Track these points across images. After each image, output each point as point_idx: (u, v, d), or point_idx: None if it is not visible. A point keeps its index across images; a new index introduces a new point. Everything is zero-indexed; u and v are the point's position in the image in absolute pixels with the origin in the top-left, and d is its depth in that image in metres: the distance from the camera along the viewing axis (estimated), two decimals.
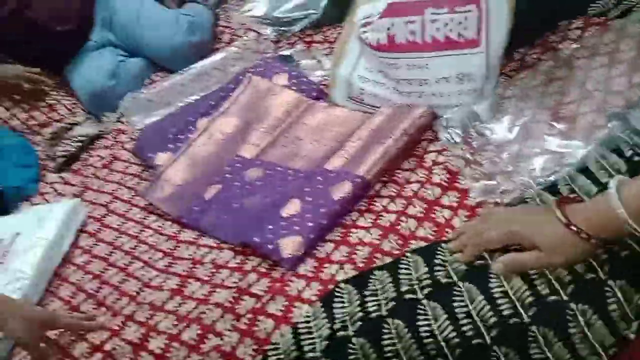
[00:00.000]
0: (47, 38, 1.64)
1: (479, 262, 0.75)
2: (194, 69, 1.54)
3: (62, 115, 1.62)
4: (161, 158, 1.24)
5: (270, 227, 0.94)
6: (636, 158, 0.78)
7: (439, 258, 0.78)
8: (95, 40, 1.69)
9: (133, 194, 1.24)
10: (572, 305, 0.68)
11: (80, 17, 1.67)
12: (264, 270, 0.91)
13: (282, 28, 1.48)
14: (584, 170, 0.80)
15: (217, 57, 1.55)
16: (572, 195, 0.77)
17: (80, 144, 1.49)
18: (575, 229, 0.65)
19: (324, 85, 1.26)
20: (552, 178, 0.82)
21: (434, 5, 0.98)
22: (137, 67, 1.66)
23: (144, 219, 1.16)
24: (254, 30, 1.56)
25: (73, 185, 1.36)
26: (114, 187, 1.28)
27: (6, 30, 1.62)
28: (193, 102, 1.40)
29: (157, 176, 1.19)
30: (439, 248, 0.80)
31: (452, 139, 0.96)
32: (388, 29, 1.03)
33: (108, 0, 1.69)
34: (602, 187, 0.75)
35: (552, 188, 0.81)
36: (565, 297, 0.69)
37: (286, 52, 1.40)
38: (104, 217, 1.21)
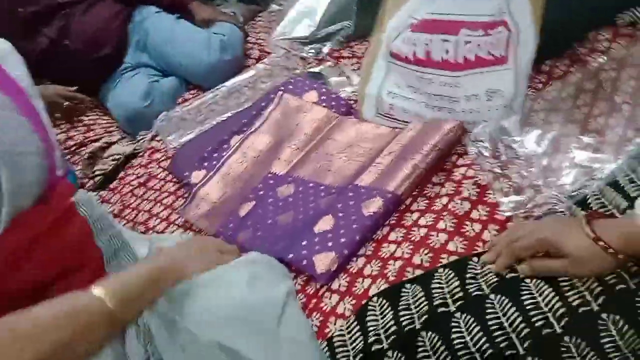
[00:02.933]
0: (84, 64, 1.71)
1: (510, 274, 0.76)
2: (225, 87, 1.58)
3: (98, 135, 1.68)
4: (197, 176, 1.27)
5: (304, 243, 0.96)
6: None
7: (470, 272, 0.80)
8: (130, 62, 1.75)
9: (170, 211, 1.28)
10: (603, 316, 0.69)
11: (116, 42, 1.73)
12: (298, 286, 0.93)
13: (316, 45, 1.52)
14: (614, 184, 0.81)
15: (247, 74, 1.59)
16: (601, 210, 0.78)
17: (116, 162, 1.54)
18: (602, 244, 0.67)
19: (353, 101, 1.28)
20: (582, 192, 0.83)
21: (469, 27, 0.99)
22: (170, 86, 1.72)
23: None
24: (283, 47, 1.60)
25: (112, 203, 1.40)
26: (151, 205, 1.32)
27: (46, 58, 1.69)
28: (226, 120, 1.44)
29: (193, 194, 1.22)
30: (469, 262, 0.81)
31: (481, 153, 0.97)
32: (426, 44, 1.04)
33: (142, 23, 1.75)
34: (632, 201, 0.75)
35: (582, 202, 0.82)
36: (596, 308, 0.70)
37: (315, 69, 1.43)
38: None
